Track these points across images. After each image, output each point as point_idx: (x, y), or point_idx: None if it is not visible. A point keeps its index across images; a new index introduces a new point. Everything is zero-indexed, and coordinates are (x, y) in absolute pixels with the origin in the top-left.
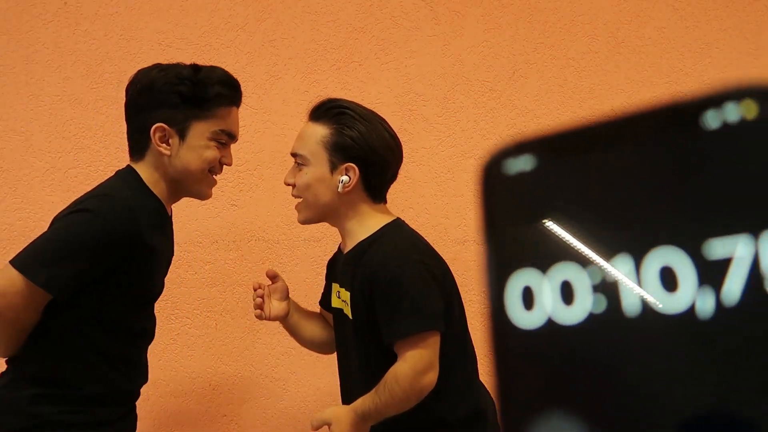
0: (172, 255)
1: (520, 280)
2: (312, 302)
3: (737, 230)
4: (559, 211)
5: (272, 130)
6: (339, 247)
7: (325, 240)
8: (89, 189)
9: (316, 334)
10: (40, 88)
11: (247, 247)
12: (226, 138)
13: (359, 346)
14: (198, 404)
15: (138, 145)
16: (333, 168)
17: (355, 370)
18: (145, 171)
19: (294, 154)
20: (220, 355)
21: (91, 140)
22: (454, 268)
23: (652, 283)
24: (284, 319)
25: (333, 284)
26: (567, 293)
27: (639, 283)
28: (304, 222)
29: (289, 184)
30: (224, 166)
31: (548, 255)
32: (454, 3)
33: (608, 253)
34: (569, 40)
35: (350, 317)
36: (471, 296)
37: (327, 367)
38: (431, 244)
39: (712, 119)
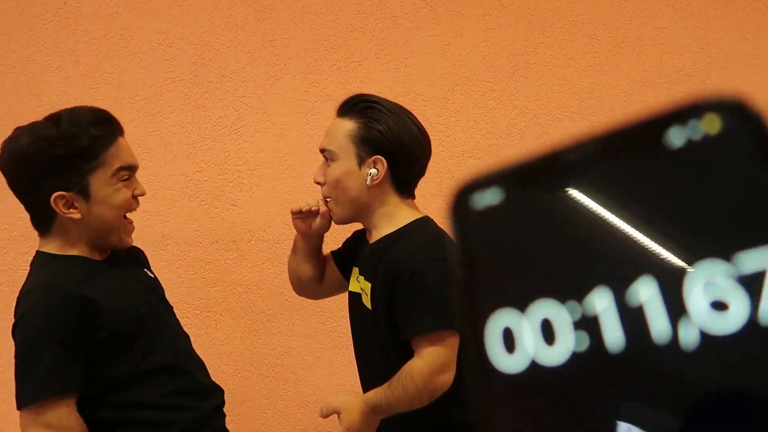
0: (148, 283)
1: (499, 321)
2: (312, 302)
3: (714, 253)
4: (532, 244)
5: (272, 130)
6: (358, 235)
7: (326, 240)
8: None
9: (306, 272)
10: (40, 88)
11: (247, 247)
12: (127, 173)
13: (377, 338)
14: None
15: (42, 220)
16: (361, 161)
17: (374, 362)
18: (53, 244)
19: (322, 150)
20: (220, 355)
21: None
22: None
23: (634, 316)
24: (309, 238)
25: (354, 268)
26: (548, 332)
27: (621, 316)
28: (339, 221)
29: (318, 183)
30: (140, 198)
31: (525, 292)
32: (454, 3)
33: (586, 287)
34: (569, 40)
35: (369, 308)
36: None
37: (327, 367)
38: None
39: (675, 137)
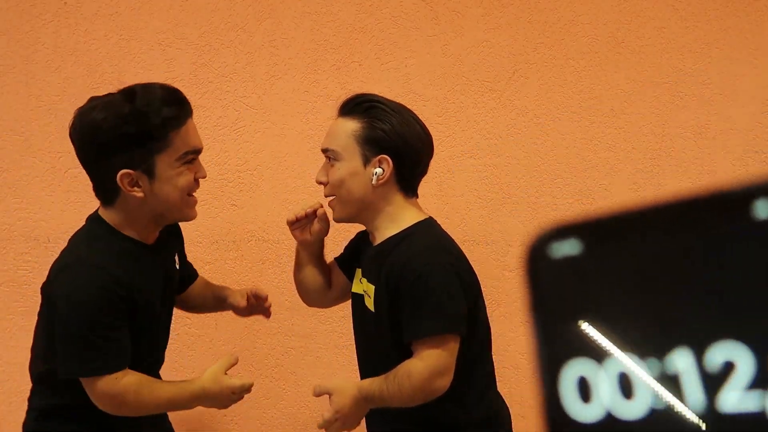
0: (171, 278)
1: (574, 370)
2: None
3: None
4: (612, 298)
5: (272, 130)
6: (361, 236)
7: (326, 240)
8: (88, 189)
9: (314, 282)
10: (40, 88)
11: (247, 247)
12: (193, 155)
13: (380, 341)
14: None
15: (106, 193)
16: (366, 161)
17: (375, 364)
18: (114, 215)
19: (325, 150)
20: (220, 355)
21: None
22: None
23: (714, 379)
24: (310, 245)
25: (357, 269)
26: (626, 386)
27: (701, 377)
28: (339, 220)
29: (321, 183)
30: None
31: (604, 344)
32: (454, 3)
33: (667, 345)
34: (569, 40)
35: (372, 310)
36: None
37: (327, 368)
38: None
39: (762, 209)
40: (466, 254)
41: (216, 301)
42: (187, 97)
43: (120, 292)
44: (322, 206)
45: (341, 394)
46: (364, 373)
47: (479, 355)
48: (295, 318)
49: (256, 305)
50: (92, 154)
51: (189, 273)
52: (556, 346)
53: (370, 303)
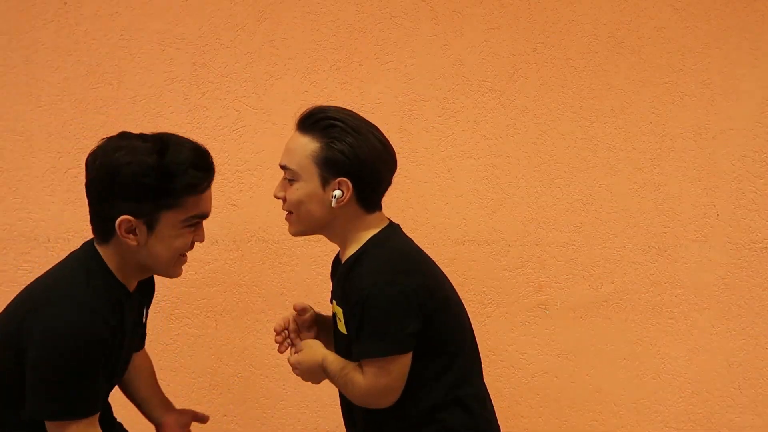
0: (142, 323)
1: None
2: (312, 302)
3: None
4: None
5: (272, 130)
6: (337, 257)
7: (325, 240)
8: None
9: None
10: (40, 88)
11: (247, 247)
12: (198, 220)
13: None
14: (198, 404)
15: (102, 231)
16: (325, 183)
17: None
18: (110, 255)
19: (283, 167)
20: (220, 355)
21: (91, 140)
22: (454, 267)
23: None
24: (309, 330)
25: (331, 302)
26: None
27: None
28: (296, 235)
29: (279, 198)
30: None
31: None
32: (454, 3)
33: None
34: (569, 40)
35: (344, 332)
36: (470, 296)
37: None
38: (424, 249)
39: None
40: (464, 254)
41: (148, 397)
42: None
43: (105, 337)
44: (282, 329)
45: (308, 352)
46: (344, 401)
47: (438, 374)
48: None
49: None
50: (103, 193)
51: (142, 336)
52: None
53: (341, 326)
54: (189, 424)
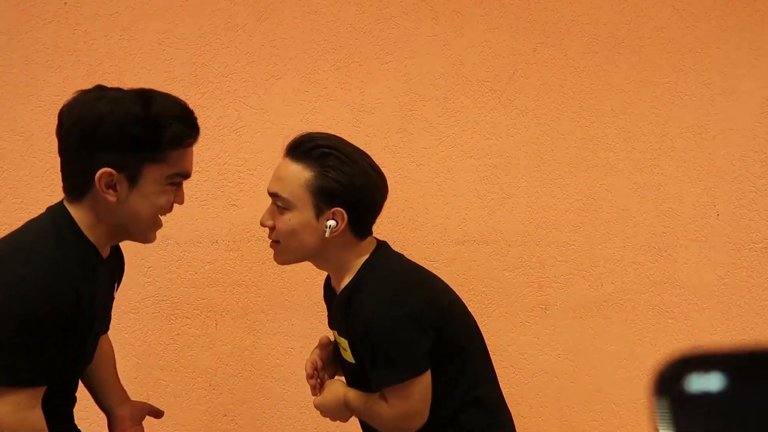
0: (112, 299)
1: None
2: (312, 302)
3: None
4: None
5: (272, 130)
6: (328, 283)
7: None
8: None
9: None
10: (40, 88)
11: (247, 247)
12: (181, 179)
13: (371, 388)
14: (198, 404)
15: (77, 186)
16: (319, 213)
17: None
18: (81, 214)
19: (274, 195)
20: (220, 355)
21: None
22: (454, 267)
23: None
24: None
25: (331, 330)
26: None
27: None
28: (283, 264)
29: (267, 227)
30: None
31: None
32: (454, 3)
33: None
34: (569, 40)
35: (352, 361)
36: (470, 296)
37: None
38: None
39: None
40: (464, 254)
41: (105, 384)
42: (188, 98)
43: (70, 300)
44: (315, 371)
45: (330, 392)
46: (365, 426)
47: (455, 377)
48: (295, 318)
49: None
50: (81, 142)
51: (109, 317)
52: None
53: (348, 356)
54: (142, 419)
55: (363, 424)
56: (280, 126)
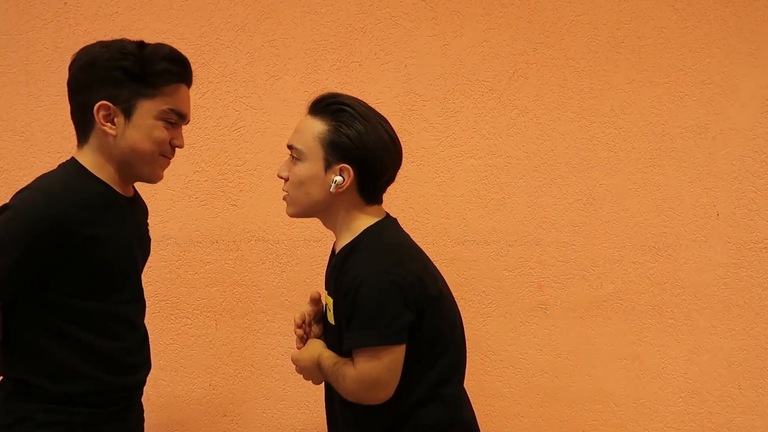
0: (144, 238)
1: None
2: None
3: None
4: None
5: (272, 130)
6: (333, 247)
7: (325, 240)
8: None
9: None
10: (40, 88)
11: (247, 247)
12: (175, 118)
13: (343, 354)
14: (198, 404)
15: (81, 125)
16: (327, 166)
17: None
18: (88, 156)
19: (290, 147)
20: (220, 355)
21: None
22: (454, 267)
23: None
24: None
25: (325, 291)
26: None
27: None
28: (292, 215)
29: (282, 177)
30: (176, 149)
31: None
32: (454, 3)
33: None
34: (569, 40)
35: (332, 323)
36: (470, 296)
37: None
38: (424, 249)
39: None
40: (464, 254)
41: None
42: (191, 71)
43: (58, 220)
44: (303, 322)
45: (307, 349)
46: (329, 392)
47: (423, 371)
48: None
49: None
50: (80, 81)
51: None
52: None
53: (330, 316)
54: None
55: (326, 392)
56: (280, 126)
